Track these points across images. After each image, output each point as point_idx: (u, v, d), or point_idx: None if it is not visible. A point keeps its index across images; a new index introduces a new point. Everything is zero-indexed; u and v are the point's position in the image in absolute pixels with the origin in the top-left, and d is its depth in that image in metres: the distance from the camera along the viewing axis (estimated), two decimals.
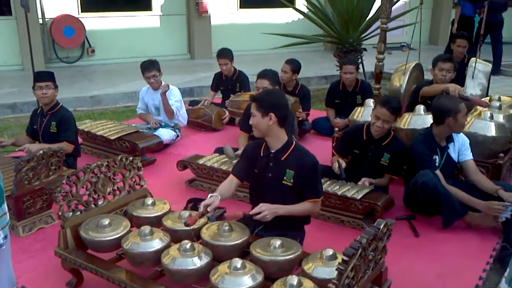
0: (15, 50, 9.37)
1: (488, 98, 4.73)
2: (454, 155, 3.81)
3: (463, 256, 3.30)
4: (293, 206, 2.90)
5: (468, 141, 3.85)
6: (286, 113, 2.93)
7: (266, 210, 2.78)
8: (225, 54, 6.14)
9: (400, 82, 5.27)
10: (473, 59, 4.99)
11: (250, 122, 2.94)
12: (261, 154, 2.99)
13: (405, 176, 3.94)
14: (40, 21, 9.35)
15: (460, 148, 3.82)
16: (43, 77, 4.27)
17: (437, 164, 3.72)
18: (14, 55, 9.42)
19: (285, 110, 2.94)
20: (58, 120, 4.31)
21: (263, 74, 4.59)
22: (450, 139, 3.79)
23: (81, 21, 9.56)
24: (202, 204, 2.75)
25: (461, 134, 3.85)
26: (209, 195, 2.85)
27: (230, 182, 3.01)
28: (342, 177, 3.81)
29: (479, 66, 4.90)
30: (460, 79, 5.68)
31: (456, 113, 3.60)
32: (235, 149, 4.48)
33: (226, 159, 4.28)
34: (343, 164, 3.90)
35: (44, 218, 3.61)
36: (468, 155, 3.82)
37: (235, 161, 4.18)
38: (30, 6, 7.47)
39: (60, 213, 2.76)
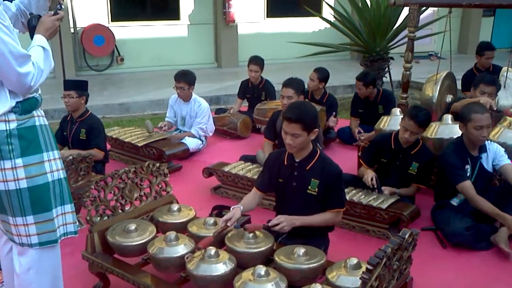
0: None
1: None
2: (488, 166, 3.64)
3: (492, 268, 3.23)
4: (312, 217, 2.88)
5: (502, 149, 3.68)
6: None
7: (284, 222, 2.77)
8: (257, 61, 6.26)
9: (432, 91, 5.16)
10: (504, 68, 4.90)
11: (290, 142, 2.79)
12: (285, 163, 2.98)
13: (435, 188, 3.84)
14: (72, 30, 9.58)
15: (495, 157, 3.64)
16: (66, 86, 4.41)
17: (468, 174, 3.55)
18: None
19: None
20: (88, 127, 4.41)
21: (289, 83, 4.58)
22: (482, 149, 3.62)
23: (111, 30, 9.75)
24: (222, 220, 2.76)
25: (494, 143, 3.71)
26: (232, 207, 2.87)
27: (254, 194, 3.07)
28: (380, 191, 3.72)
29: (511, 76, 4.81)
30: None
31: (466, 121, 3.49)
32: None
33: (251, 167, 4.30)
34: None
35: None
36: (504, 160, 3.63)
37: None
38: None
39: (88, 218, 2.81)
